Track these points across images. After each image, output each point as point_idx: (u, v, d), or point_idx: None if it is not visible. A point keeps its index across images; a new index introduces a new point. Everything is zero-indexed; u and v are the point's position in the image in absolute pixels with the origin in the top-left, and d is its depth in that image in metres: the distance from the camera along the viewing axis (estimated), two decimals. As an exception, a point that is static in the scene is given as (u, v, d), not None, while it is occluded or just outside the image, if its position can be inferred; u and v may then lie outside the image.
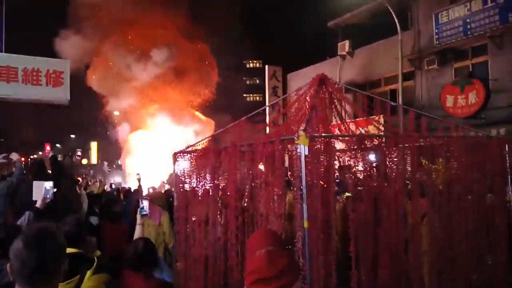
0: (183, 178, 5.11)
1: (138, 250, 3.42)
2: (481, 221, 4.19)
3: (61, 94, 8.23)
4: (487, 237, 4.22)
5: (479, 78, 12.06)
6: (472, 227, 4.11)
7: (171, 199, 7.16)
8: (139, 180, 11.64)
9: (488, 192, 4.42)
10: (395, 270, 3.75)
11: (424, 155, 4.18)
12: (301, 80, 19.80)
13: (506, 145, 4.49)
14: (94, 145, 45.10)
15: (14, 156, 5.72)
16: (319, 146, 3.43)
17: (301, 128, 3.61)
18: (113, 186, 11.69)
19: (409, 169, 4.11)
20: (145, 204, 4.69)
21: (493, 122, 11.56)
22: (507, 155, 4.51)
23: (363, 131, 4.84)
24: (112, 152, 26.88)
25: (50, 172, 5.59)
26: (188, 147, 5.27)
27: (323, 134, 3.55)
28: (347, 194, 5.12)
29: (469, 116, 11.70)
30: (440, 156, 4.25)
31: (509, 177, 4.49)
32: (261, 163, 4.23)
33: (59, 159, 6.76)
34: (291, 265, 1.76)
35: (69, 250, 2.98)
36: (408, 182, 4.20)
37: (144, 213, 4.64)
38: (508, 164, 4.51)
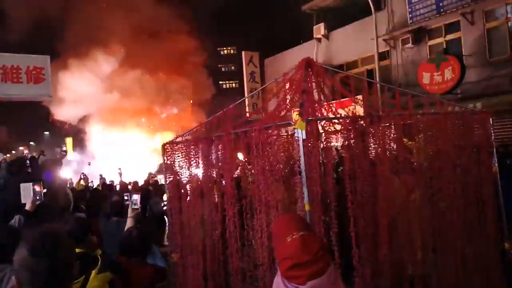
0: (174, 169, 5.07)
1: (133, 238, 3.60)
2: (469, 194, 4.31)
3: (43, 90, 8.03)
4: (476, 209, 4.35)
5: (454, 54, 12.29)
6: (461, 200, 4.23)
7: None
8: (120, 174, 11.68)
9: (475, 165, 4.54)
10: (389, 247, 3.84)
11: (411, 132, 4.27)
12: (278, 64, 19.77)
13: (491, 118, 4.63)
14: (69, 141, 43.98)
15: None
16: (312, 129, 3.46)
17: (295, 112, 3.62)
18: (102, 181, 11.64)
19: (395, 146, 4.20)
20: (136, 198, 4.66)
21: (469, 96, 11.84)
22: (491, 128, 4.65)
23: (347, 111, 4.89)
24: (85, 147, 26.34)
25: (32, 172, 5.46)
26: (177, 137, 5.23)
27: (319, 118, 3.56)
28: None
29: (446, 92, 11.93)
30: (427, 133, 4.34)
31: (494, 149, 4.64)
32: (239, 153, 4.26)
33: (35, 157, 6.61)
34: (324, 249, 1.78)
35: (72, 250, 2.95)
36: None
37: (135, 206, 4.61)
38: (492, 137, 4.65)
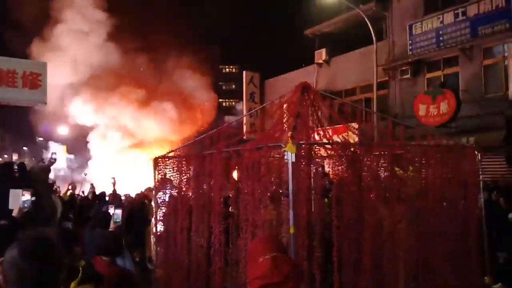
0: (164, 184, 5.10)
1: (106, 237, 3.91)
2: (455, 226, 4.35)
3: (39, 96, 7.97)
4: (460, 242, 4.39)
5: (450, 88, 12.48)
6: (446, 232, 4.27)
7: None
8: (114, 184, 11.49)
9: (461, 199, 4.60)
10: (373, 274, 3.85)
11: (401, 162, 4.33)
12: (278, 86, 19.97)
13: (479, 154, 4.70)
14: (62, 149, 43.74)
15: (-9, 159, 5.53)
16: (303, 152, 3.52)
17: (287, 135, 3.69)
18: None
19: (383, 175, 4.25)
20: (117, 212, 4.83)
21: (463, 131, 11.96)
22: (479, 163, 4.72)
23: (341, 138, 4.97)
24: (82, 155, 26.23)
25: (18, 177, 5.43)
26: (169, 152, 5.27)
27: (310, 142, 3.62)
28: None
29: (440, 125, 12.06)
30: (416, 164, 4.41)
31: (481, 183, 4.70)
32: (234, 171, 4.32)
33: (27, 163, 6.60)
34: (295, 271, 1.80)
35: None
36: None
37: (117, 220, 4.78)
38: (480, 172, 4.72)
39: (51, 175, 8.42)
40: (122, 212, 4.77)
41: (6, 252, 1.51)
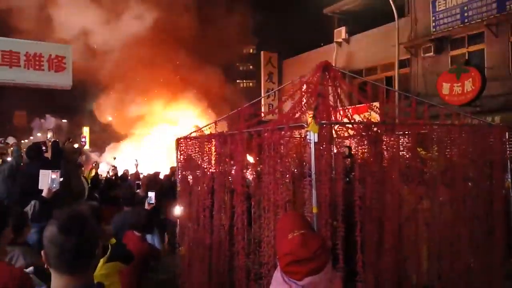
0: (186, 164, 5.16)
1: (139, 214, 4.31)
2: (479, 207, 4.28)
3: (64, 79, 8.15)
4: (486, 222, 4.31)
5: (475, 66, 12.11)
6: (470, 213, 4.20)
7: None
8: (136, 165, 11.85)
9: (487, 179, 4.50)
10: (394, 255, 3.84)
11: (425, 142, 4.25)
12: (297, 66, 19.77)
13: (506, 133, 4.58)
14: (86, 130, 44.53)
15: (11, 140, 5.70)
16: (325, 133, 3.49)
17: (309, 115, 3.65)
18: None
19: (407, 155, 4.18)
20: (151, 195, 5.33)
21: (488, 109, 11.67)
22: (507, 143, 4.60)
23: (362, 117, 4.89)
24: (105, 137, 26.68)
25: (50, 157, 5.57)
26: (191, 133, 5.31)
27: (332, 122, 3.59)
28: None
29: (465, 103, 11.77)
30: (441, 143, 4.32)
31: (508, 163, 4.59)
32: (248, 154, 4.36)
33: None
34: (323, 248, 1.83)
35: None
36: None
37: (151, 202, 5.27)
38: (507, 152, 4.60)
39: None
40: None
41: (45, 229, 1.60)
